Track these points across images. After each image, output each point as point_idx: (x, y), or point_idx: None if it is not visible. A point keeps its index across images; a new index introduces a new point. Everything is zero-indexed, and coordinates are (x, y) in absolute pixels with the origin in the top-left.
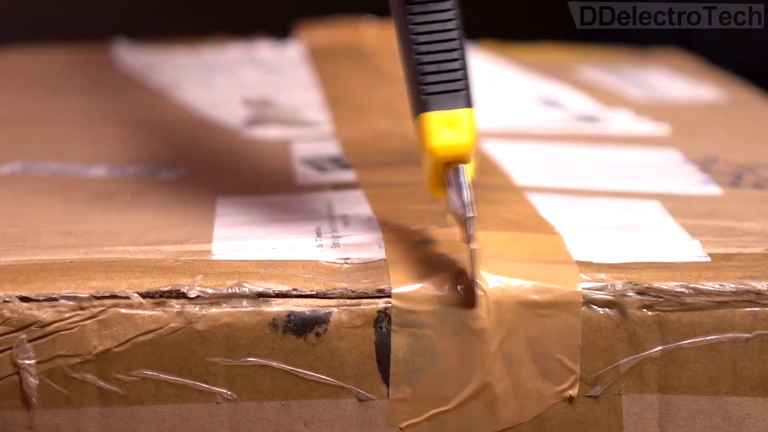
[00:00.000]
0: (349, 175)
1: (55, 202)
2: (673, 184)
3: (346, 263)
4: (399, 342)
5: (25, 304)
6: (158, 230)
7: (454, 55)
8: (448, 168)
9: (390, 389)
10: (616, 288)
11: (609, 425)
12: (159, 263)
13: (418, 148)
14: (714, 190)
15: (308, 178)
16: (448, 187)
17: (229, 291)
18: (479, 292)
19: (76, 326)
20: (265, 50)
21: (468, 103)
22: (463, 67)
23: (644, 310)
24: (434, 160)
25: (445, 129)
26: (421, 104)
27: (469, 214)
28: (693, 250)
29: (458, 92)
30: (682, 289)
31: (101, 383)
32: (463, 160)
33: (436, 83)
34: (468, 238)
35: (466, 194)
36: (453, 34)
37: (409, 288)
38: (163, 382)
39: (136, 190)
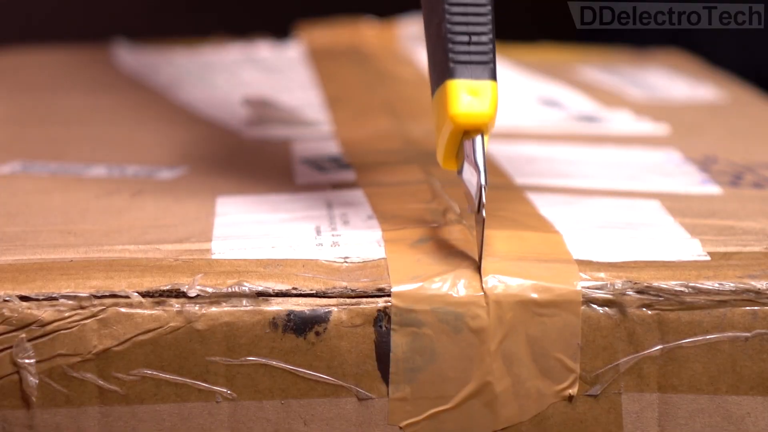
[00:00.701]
0: (348, 175)
1: (55, 202)
2: (673, 184)
3: (346, 262)
4: (399, 341)
5: (24, 304)
6: (158, 229)
7: (485, 29)
8: (466, 137)
9: (390, 388)
10: (616, 287)
11: (609, 424)
12: (159, 262)
13: (436, 116)
14: (714, 189)
15: (308, 177)
16: (465, 157)
17: (229, 290)
18: (483, 261)
19: (76, 325)
20: (265, 50)
21: (493, 76)
22: (492, 42)
23: (644, 309)
24: (455, 126)
25: (469, 97)
26: (448, 71)
27: (483, 183)
28: (692, 249)
29: (485, 64)
30: (682, 288)
31: (101, 382)
32: (481, 130)
33: (465, 53)
34: (478, 207)
35: (482, 164)
36: (485, 9)
37: (408, 287)
38: (163, 382)
39: (135, 189)
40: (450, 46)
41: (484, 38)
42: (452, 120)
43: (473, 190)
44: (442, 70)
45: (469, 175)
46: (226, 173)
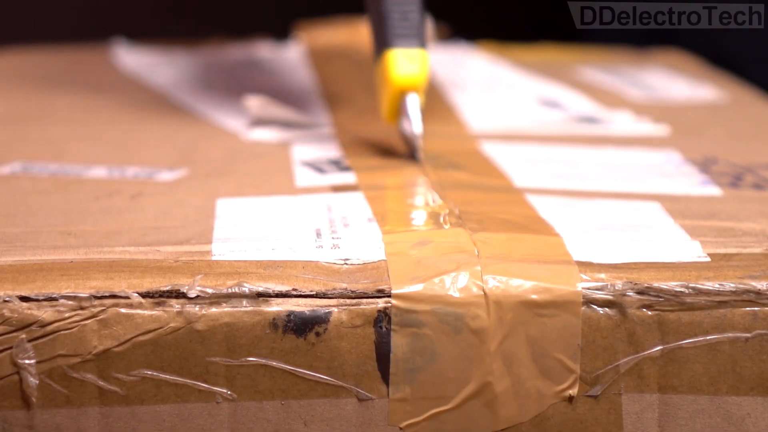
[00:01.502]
0: (348, 177)
1: (55, 203)
2: (673, 185)
3: (346, 264)
4: (399, 341)
5: (25, 304)
6: (158, 231)
7: (414, 8)
8: (403, 96)
9: (390, 389)
10: (616, 288)
11: (609, 425)
12: (159, 263)
13: (379, 80)
14: (713, 190)
15: (308, 179)
16: (403, 112)
17: (229, 291)
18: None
19: (76, 326)
20: (265, 51)
21: (423, 45)
22: (420, 19)
23: (644, 309)
24: (394, 87)
25: (405, 63)
26: (387, 42)
27: (417, 131)
28: (693, 251)
29: (416, 37)
30: (682, 289)
31: (101, 383)
32: (416, 89)
33: (400, 27)
34: (415, 152)
35: (417, 116)
36: None
37: (408, 288)
38: (163, 382)
39: (135, 190)
40: (389, 22)
41: (414, 16)
42: (393, 82)
43: (410, 138)
44: (383, 41)
45: (407, 127)
46: (226, 175)
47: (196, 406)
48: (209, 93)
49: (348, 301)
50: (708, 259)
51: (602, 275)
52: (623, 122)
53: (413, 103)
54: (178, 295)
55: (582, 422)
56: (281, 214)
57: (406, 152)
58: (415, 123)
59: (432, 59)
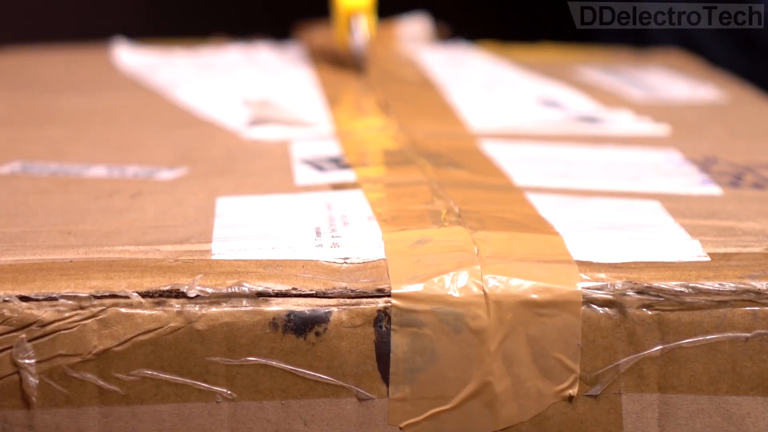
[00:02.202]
0: (348, 175)
1: (55, 203)
2: (673, 185)
3: (346, 263)
4: (399, 341)
5: (24, 304)
6: (158, 230)
7: None
8: (351, 18)
9: (390, 388)
10: (616, 287)
11: (609, 424)
12: (158, 263)
13: (334, 9)
14: (714, 190)
15: (308, 178)
16: (352, 31)
17: (229, 290)
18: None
19: (76, 326)
20: (264, 51)
21: None
22: None
23: (644, 309)
24: (343, 12)
25: None
26: None
27: (359, 43)
28: (693, 250)
29: None
30: (682, 289)
31: (101, 383)
32: (362, 11)
33: None
34: (359, 64)
35: (361, 31)
36: None
37: (408, 288)
38: (163, 382)
39: (135, 190)
40: None
41: None
42: (342, 8)
43: (357, 52)
44: None
45: (354, 43)
46: (226, 174)
47: (196, 406)
48: (209, 93)
49: (348, 300)
50: (708, 258)
51: (602, 275)
52: (623, 122)
53: (359, 22)
54: (178, 294)
55: (582, 422)
56: (281, 213)
57: (355, 69)
58: (357, 37)
59: (432, 59)
